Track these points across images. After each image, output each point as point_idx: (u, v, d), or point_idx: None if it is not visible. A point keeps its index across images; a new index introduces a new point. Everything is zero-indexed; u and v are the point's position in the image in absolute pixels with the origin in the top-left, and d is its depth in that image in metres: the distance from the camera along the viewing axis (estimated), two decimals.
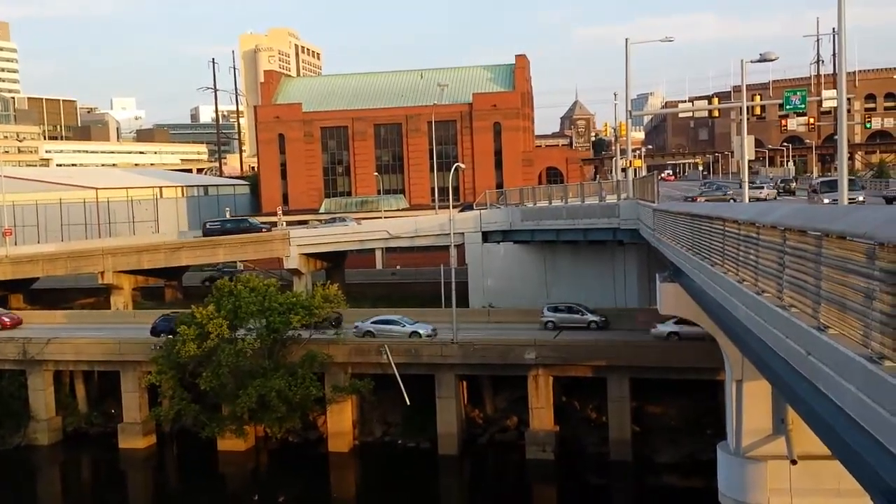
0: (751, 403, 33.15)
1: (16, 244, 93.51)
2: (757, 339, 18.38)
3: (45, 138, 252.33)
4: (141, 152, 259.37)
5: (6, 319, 69.29)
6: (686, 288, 33.99)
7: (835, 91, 42.19)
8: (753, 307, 18.39)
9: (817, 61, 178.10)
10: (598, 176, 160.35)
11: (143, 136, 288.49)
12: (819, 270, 13.43)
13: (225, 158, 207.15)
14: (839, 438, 12.52)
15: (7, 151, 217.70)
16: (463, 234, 73.38)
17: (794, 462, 31.48)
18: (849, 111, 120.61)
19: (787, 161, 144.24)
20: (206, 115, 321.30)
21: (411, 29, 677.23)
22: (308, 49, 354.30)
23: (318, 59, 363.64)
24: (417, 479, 53.51)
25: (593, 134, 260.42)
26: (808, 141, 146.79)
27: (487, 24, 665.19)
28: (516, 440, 54.61)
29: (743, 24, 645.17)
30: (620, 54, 59.95)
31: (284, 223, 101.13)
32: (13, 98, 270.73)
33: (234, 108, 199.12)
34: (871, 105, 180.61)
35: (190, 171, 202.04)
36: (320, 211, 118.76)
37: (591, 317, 59.44)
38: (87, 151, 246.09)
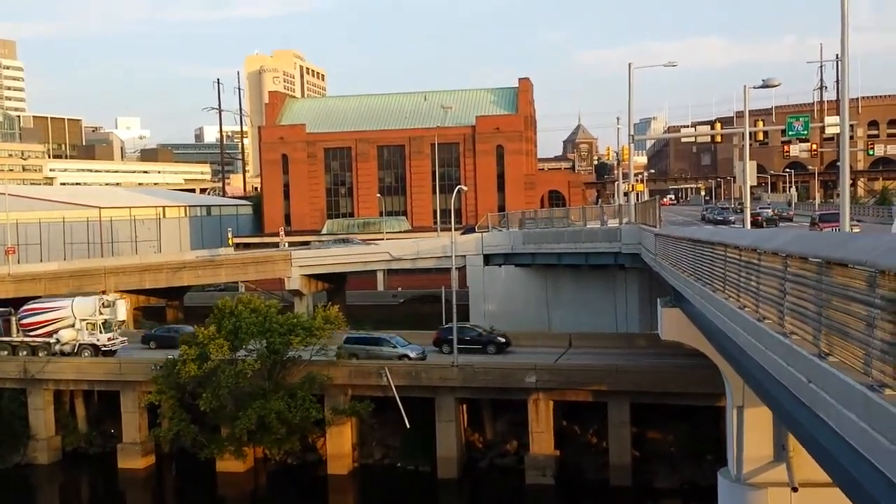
0: (752, 430, 33.01)
1: (18, 262, 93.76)
2: (758, 366, 18.32)
3: (49, 157, 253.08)
4: (145, 172, 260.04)
5: None
6: (687, 313, 33.94)
7: (838, 117, 42.24)
8: (754, 333, 18.34)
9: (820, 87, 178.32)
10: (600, 200, 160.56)
11: (147, 155, 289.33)
12: (820, 297, 13.41)
13: (228, 178, 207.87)
14: (840, 466, 12.45)
15: (12, 170, 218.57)
16: (464, 256, 73.51)
17: (795, 489, 31.30)
18: (851, 137, 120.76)
19: (790, 187, 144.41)
20: (211, 136, 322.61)
21: (414, 52, 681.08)
22: (313, 70, 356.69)
23: (323, 80, 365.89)
24: (416, 502, 53.24)
25: (596, 158, 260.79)
26: (810, 167, 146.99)
27: (490, 47, 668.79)
28: (516, 464, 54.28)
29: (746, 50, 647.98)
30: (623, 79, 60.18)
31: (286, 244, 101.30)
32: (19, 116, 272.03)
33: (238, 128, 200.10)
34: (874, 132, 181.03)
35: (193, 190, 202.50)
36: (322, 232, 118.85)
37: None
38: (91, 170, 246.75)
